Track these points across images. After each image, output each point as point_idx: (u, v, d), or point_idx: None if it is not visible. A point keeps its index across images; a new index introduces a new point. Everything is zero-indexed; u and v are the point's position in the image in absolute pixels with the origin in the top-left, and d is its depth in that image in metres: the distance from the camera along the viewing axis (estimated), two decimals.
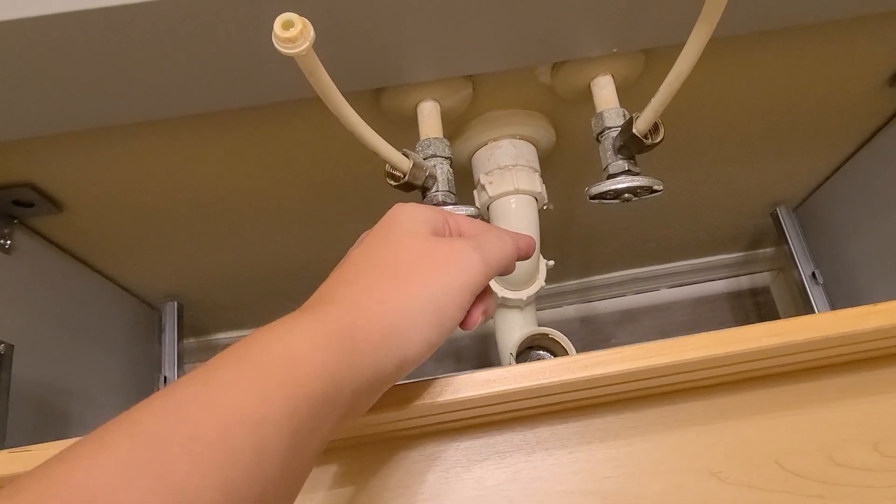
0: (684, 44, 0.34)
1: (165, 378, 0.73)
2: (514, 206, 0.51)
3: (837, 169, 0.72)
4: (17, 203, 0.52)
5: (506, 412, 0.39)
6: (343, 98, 0.34)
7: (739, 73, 0.53)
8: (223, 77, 0.40)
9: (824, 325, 0.34)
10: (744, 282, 0.99)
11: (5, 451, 0.30)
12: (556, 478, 0.40)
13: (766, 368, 0.40)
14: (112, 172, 0.52)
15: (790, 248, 0.77)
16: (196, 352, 0.90)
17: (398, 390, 0.33)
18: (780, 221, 0.78)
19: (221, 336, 0.93)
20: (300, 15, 0.29)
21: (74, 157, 0.49)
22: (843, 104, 0.60)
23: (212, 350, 0.93)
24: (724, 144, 0.64)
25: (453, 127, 0.52)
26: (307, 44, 0.29)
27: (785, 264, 0.88)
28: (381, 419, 0.33)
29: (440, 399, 0.33)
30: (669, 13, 0.41)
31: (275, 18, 0.28)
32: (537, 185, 0.51)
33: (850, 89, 0.58)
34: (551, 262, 0.56)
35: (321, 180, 0.58)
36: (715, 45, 0.34)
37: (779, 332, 0.34)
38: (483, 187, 0.51)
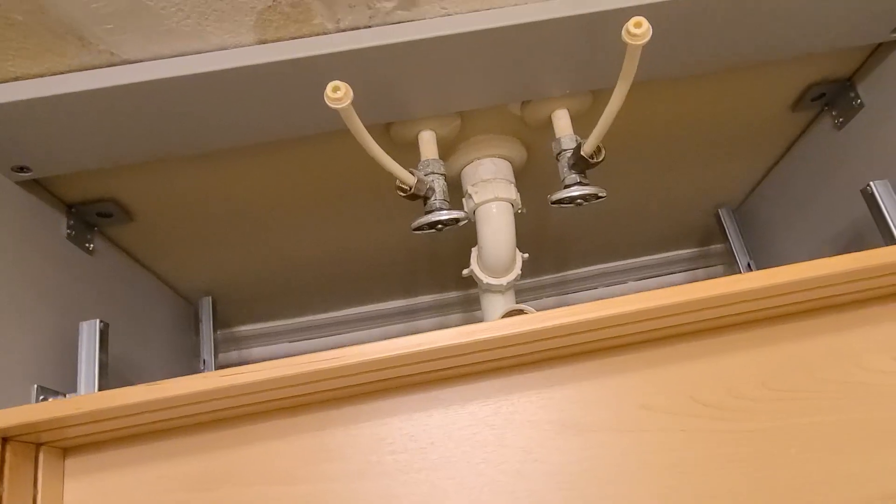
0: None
1: (205, 361, 0.86)
2: (494, 210, 0.65)
3: (764, 177, 0.87)
4: (99, 214, 0.65)
5: (489, 360, 0.52)
6: (368, 134, 0.48)
7: (674, 103, 0.67)
8: (277, 118, 0.53)
9: (706, 287, 0.48)
10: (700, 274, 1.13)
11: (143, 385, 0.44)
12: (528, 411, 0.54)
13: (679, 326, 0.54)
14: (174, 189, 0.65)
15: (730, 244, 0.92)
16: (223, 342, 1.03)
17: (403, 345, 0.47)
18: (721, 221, 0.93)
19: (242, 328, 1.06)
20: (342, 80, 0.42)
21: (149, 178, 0.62)
22: (760, 124, 0.75)
23: (234, 341, 1.07)
24: (670, 158, 0.79)
25: (446, 148, 0.66)
26: (348, 102, 0.43)
27: (731, 258, 1.02)
28: (387, 374, 0.47)
29: (435, 345, 0.47)
30: (608, 64, 0.55)
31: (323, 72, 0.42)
32: (513, 194, 0.65)
33: (763, 113, 0.72)
34: (526, 255, 0.69)
35: (339, 192, 0.72)
36: (650, 82, 0.48)
37: (682, 293, 0.48)
38: (470, 196, 0.65)
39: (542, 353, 0.53)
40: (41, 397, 0.53)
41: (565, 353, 0.55)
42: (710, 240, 1.06)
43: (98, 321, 0.59)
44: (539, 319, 0.47)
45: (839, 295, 0.54)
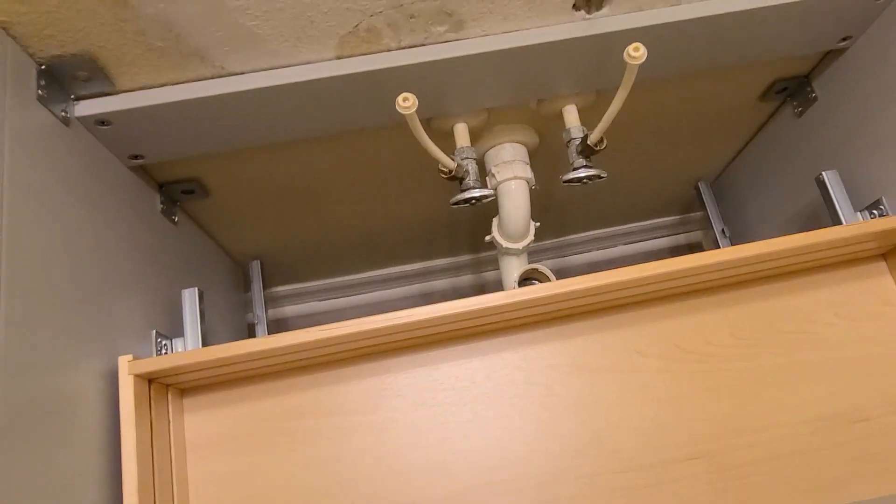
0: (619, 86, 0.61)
1: (258, 317, 1.00)
2: (513, 187, 0.78)
3: (736, 156, 1.01)
4: (183, 192, 0.78)
5: (518, 318, 0.66)
6: (424, 132, 0.61)
7: (662, 96, 0.80)
8: (346, 114, 0.66)
9: (688, 260, 0.62)
10: (681, 239, 1.28)
11: (254, 339, 0.57)
12: (548, 357, 0.68)
13: (667, 290, 0.68)
14: (245, 171, 0.78)
15: (707, 213, 1.06)
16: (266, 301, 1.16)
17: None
18: (700, 193, 1.07)
19: (277, 289, 1.20)
20: (402, 89, 0.55)
21: (227, 162, 0.75)
22: (734, 111, 0.88)
23: (270, 300, 1.20)
24: (658, 140, 0.92)
25: (474, 134, 0.79)
26: (413, 110, 0.56)
27: (708, 224, 1.17)
28: (440, 328, 0.60)
29: (486, 304, 0.60)
30: (609, 69, 0.68)
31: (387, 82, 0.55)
32: (528, 173, 0.78)
33: (736, 103, 0.86)
34: (538, 224, 0.83)
35: (381, 174, 0.85)
36: (643, 81, 0.61)
37: (667, 265, 0.62)
38: (493, 175, 0.78)
39: (560, 312, 0.67)
40: (158, 340, 0.66)
41: (578, 311, 0.69)
42: (691, 209, 1.20)
43: (196, 289, 0.72)
44: (560, 286, 0.61)
45: (794, 264, 0.69)
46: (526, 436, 0.64)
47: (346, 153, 0.78)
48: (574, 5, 0.61)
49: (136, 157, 0.66)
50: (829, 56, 0.77)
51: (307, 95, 0.62)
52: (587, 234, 1.23)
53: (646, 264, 0.62)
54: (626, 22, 0.62)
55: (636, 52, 0.56)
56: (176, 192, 0.78)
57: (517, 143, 0.79)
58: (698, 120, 0.88)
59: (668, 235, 1.28)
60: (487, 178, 0.80)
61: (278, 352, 0.60)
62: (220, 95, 0.59)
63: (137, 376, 0.56)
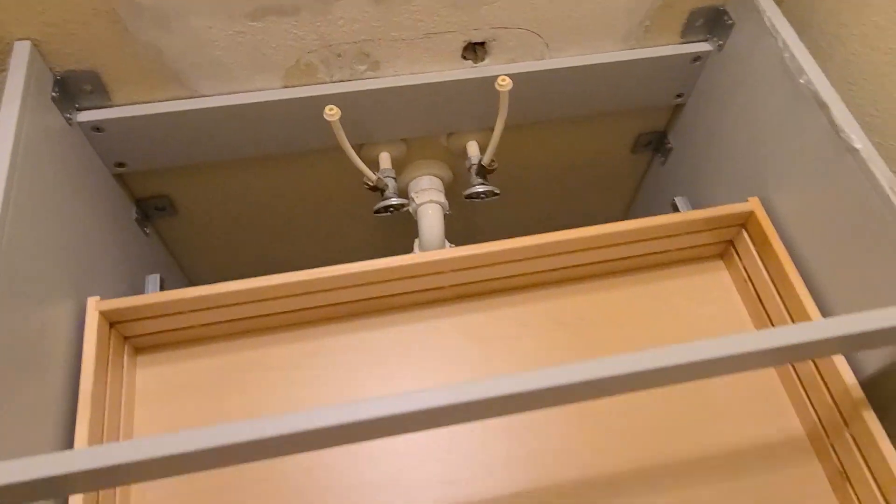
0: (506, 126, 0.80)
1: None
2: (429, 211, 0.96)
3: (629, 205, 1.21)
4: (156, 208, 0.94)
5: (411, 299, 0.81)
6: (348, 142, 0.79)
7: (541, 140, 1.01)
8: (292, 136, 0.84)
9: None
10: None
11: (198, 286, 0.71)
12: (425, 336, 0.82)
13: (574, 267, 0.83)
14: (210, 189, 0.94)
15: None
16: None
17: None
18: None
19: None
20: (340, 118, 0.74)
21: (195, 180, 0.92)
22: (616, 161, 1.09)
23: None
24: (561, 184, 1.12)
25: (398, 166, 0.97)
26: (337, 118, 0.74)
27: None
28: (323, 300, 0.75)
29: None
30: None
31: (322, 108, 0.73)
32: (443, 199, 0.96)
33: (615, 152, 1.07)
34: (452, 245, 0.99)
35: (322, 196, 1.02)
36: (533, 126, 0.81)
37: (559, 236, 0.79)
38: (413, 199, 0.96)
39: (458, 291, 0.82)
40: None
41: (473, 291, 0.83)
42: None
43: (158, 275, 0.86)
44: (457, 251, 0.77)
45: (649, 254, 0.84)
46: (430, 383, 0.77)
47: (300, 177, 0.96)
48: (463, 56, 0.82)
49: (120, 164, 0.83)
50: (677, 111, 1.00)
51: (259, 116, 0.81)
52: None
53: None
54: (502, 70, 0.83)
55: (504, 83, 0.76)
56: (149, 208, 0.94)
57: (433, 175, 0.98)
58: (589, 167, 1.09)
59: None
60: (409, 204, 0.98)
61: (233, 297, 0.73)
62: (190, 111, 0.78)
63: (102, 314, 0.69)
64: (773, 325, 0.80)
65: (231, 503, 0.69)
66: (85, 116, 0.76)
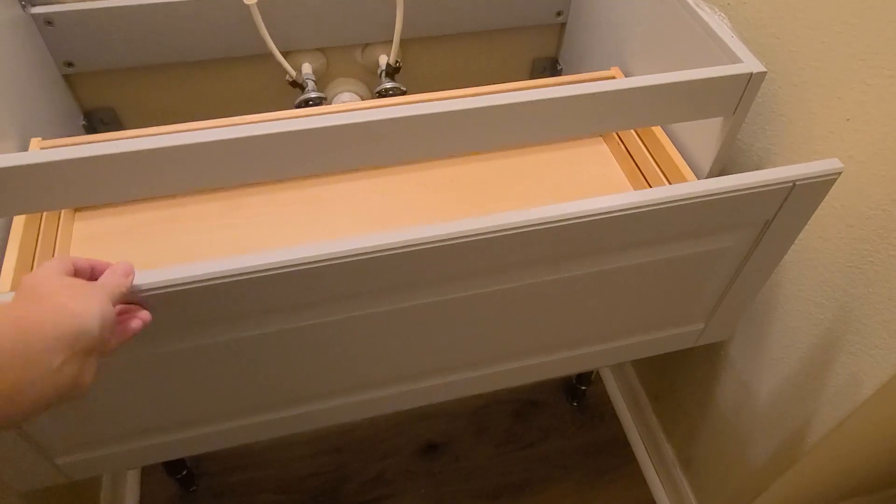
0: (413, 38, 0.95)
1: None
2: (346, 98, 1.08)
3: None
4: (102, 121, 1.05)
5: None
6: (267, 32, 0.92)
7: (447, 53, 1.15)
8: (222, 40, 0.98)
9: None
10: None
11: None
12: (345, 193, 0.93)
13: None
14: (152, 100, 1.06)
15: None
16: None
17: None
18: None
19: None
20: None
21: (138, 92, 1.03)
22: None
23: None
24: None
25: (322, 87, 1.10)
26: (255, 1, 0.88)
27: None
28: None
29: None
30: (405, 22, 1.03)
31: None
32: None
33: (513, 76, 1.22)
34: None
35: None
36: (440, 37, 0.95)
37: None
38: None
39: None
40: None
41: None
42: None
43: None
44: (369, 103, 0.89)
45: None
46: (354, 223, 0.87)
47: (228, 85, 1.08)
48: None
49: (68, 63, 0.95)
50: (562, 34, 1.16)
51: (196, 14, 0.94)
52: None
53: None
54: None
55: None
56: (96, 121, 1.05)
57: (352, 92, 1.12)
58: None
59: None
60: (328, 99, 1.10)
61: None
62: (135, 6, 0.91)
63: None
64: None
65: (160, 233, 0.78)
66: (38, 10, 0.89)
